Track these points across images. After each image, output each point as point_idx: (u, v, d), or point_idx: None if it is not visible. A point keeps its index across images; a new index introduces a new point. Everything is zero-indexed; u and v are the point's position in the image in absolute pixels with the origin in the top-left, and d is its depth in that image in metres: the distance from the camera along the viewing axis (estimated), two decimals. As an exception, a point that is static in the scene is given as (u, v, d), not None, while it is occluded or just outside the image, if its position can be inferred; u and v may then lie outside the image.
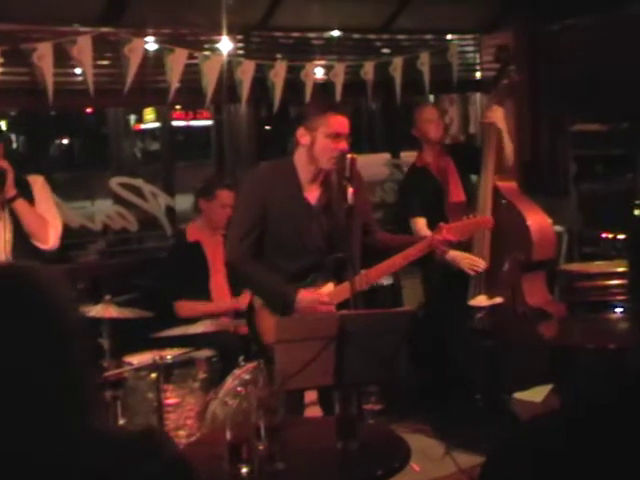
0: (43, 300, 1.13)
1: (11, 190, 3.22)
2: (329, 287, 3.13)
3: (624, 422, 0.83)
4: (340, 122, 3.07)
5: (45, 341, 1.11)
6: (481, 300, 3.98)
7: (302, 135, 3.09)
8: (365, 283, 3.08)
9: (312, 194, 3.16)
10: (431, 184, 4.28)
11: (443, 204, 4.21)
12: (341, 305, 3.08)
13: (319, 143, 3.06)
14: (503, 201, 4.11)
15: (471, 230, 3.21)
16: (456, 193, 4.25)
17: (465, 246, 3.94)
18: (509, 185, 4.20)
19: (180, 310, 3.95)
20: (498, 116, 4.08)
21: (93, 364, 1.23)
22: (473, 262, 3.96)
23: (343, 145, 3.04)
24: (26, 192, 3.34)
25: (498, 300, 3.96)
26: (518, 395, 3.64)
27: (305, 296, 3.04)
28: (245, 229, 3.11)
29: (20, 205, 3.27)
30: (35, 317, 1.11)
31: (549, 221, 4.11)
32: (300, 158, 3.13)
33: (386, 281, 4.56)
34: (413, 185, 4.36)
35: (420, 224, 4.16)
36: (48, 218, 3.37)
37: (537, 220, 4.06)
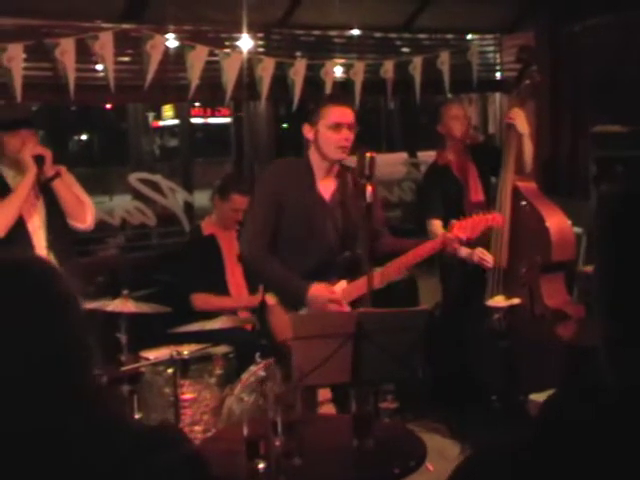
0: (46, 289, 1.15)
1: (50, 170, 3.30)
2: (342, 285, 3.14)
3: (597, 433, 0.82)
4: (339, 112, 3.08)
5: (46, 328, 1.12)
6: (498, 301, 3.96)
7: (307, 131, 3.14)
8: (380, 281, 3.07)
9: (327, 191, 3.17)
10: (452, 183, 4.26)
11: (463, 203, 4.20)
12: (353, 303, 3.08)
13: (321, 135, 3.09)
14: (523, 202, 4.09)
15: (482, 227, 3.18)
16: (476, 193, 4.24)
17: (483, 246, 3.93)
18: (529, 185, 4.17)
19: (196, 302, 3.97)
20: (519, 118, 4.05)
21: (92, 355, 1.24)
22: (483, 255, 3.94)
23: (345, 134, 3.05)
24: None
25: (516, 301, 3.94)
26: (534, 397, 3.62)
27: (317, 290, 3.04)
28: (260, 225, 3.13)
29: (59, 185, 3.36)
30: (37, 305, 1.12)
31: (568, 222, 4.08)
32: (313, 154, 3.15)
33: (400, 279, 4.56)
34: (434, 183, 4.33)
35: (436, 225, 4.15)
36: (83, 199, 3.46)
37: (556, 221, 4.03)
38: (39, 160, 3.25)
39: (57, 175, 3.36)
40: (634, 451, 0.79)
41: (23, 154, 3.26)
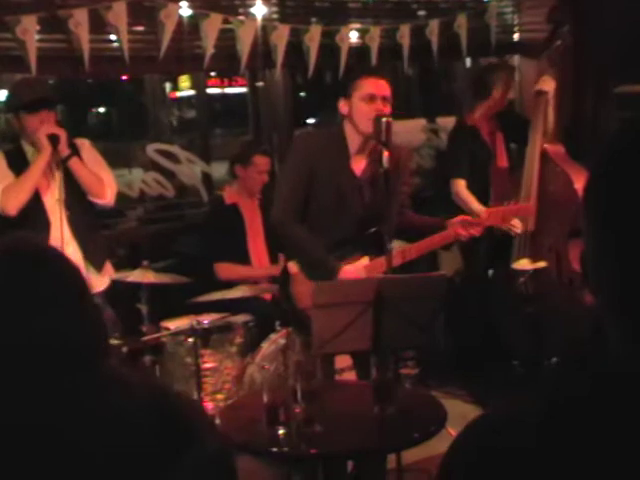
0: (55, 272, 1.16)
1: (65, 149, 3.32)
2: (364, 260, 3.12)
3: (594, 415, 0.77)
4: (374, 84, 3.04)
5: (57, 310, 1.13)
6: (524, 264, 3.92)
7: (342, 106, 3.10)
8: (402, 259, 3.06)
9: (359, 165, 3.14)
10: (480, 145, 4.21)
11: (488, 167, 4.16)
12: None
13: (356, 108, 3.05)
14: (551, 165, 4.04)
15: (511, 217, 3.18)
16: (502, 159, 4.19)
17: None
18: (557, 149, 4.12)
19: (220, 272, 3.98)
20: (551, 85, 4.00)
21: (106, 341, 1.27)
22: (512, 224, 3.91)
23: (379, 106, 3.00)
24: (74, 153, 3.42)
25: (542, 264, 3.89)
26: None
27: (348, 273, 3.02)
28: (291, 192, 3.11)
29: (75, 163, 3.38)
30: (46, 289, 1.13)
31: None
32: (348, 128, 3.12)
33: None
34: (462, 143, 4.26)
35: (460, 186, 4.12)
36: (102, 176, 3.48)
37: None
38: (53, 140, 3.27)
39: (72, 155, 3.37)
40: (623, 432, 0.76)
41: (39, 134, 3.28)
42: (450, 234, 3.08)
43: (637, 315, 0.78)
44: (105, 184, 3.47)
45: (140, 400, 1.13)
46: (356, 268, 3.07)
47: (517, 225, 3.92)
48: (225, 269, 3.99)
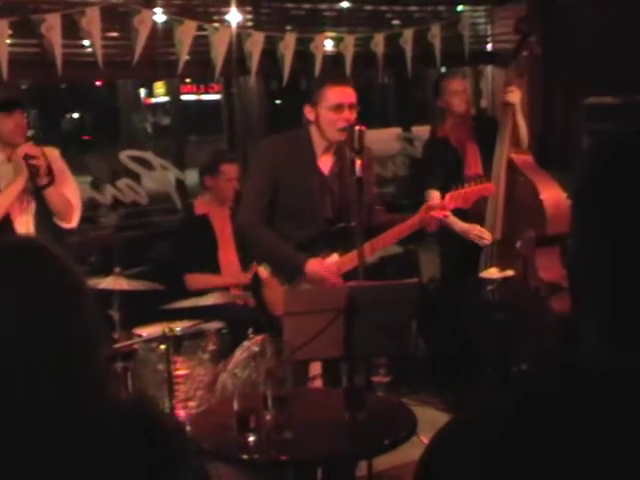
0: (54, 271, 1.14)
1: (44, 179, 3.29)
2: (334, 257, 3.15)
3: (565, 412, 0.79)
4: (339, 92, 3.07)
5: (54, 313, 1.11)
6: (492, 272, 3.96)
7: (308, 112, 3.13)
8: (370, 253, 3.09)
9: (325, 164, 3.19)
10: (451, 155, 4.25)
11: (461, 176, 4.19)
12: (345, 275, 3.10)
13: (322, 116, 3.08)
14: (518, 174, 4.08)
15: (474, 197, 3.20)
16: (475, 166, 4.22)
17: (477, 217, 3.93)
18: (524, 158, 4.16)
19: (191, 283, 3.96)
20: (516, 97, 4.04)
21: (104, 338, 1.24)
22: (481, 233, 3.95)
23: (347, 115, 3.03)
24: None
25: (510, 273, 3.94)
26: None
27: (314, 266, 3.07)
28: (256, 196, 3.16)
29: (50, 192, 3.33)
30: (46, 287, 1.12)
31: (564, 195, 4.07)
32: (314, 132, 3.16)
33: (394, 250, 4.57)
34: (433, 155, 4.31)
35: (435, 197, 4.15)
36: (70, 198, 3.44)
37: (551, 194, 4.03)
38: (32, 168, 3.22)
39: (50, 184, 3.32)
40: (595, 429, 0.78)
41: (19, 160, 3.22)
42: (415, 221, 3.10)
43: (623, 318, 0.80)
44: (74, 209, 3.44)
45: (122, 418, 1.11)
46: (324, 262, 3.09)
47: (486, 236, 3.95)
48: (195, 280, 3.97)
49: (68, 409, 1.07)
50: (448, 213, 3.23)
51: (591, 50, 4.78)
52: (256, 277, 3.24)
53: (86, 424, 1.08)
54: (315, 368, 3.28)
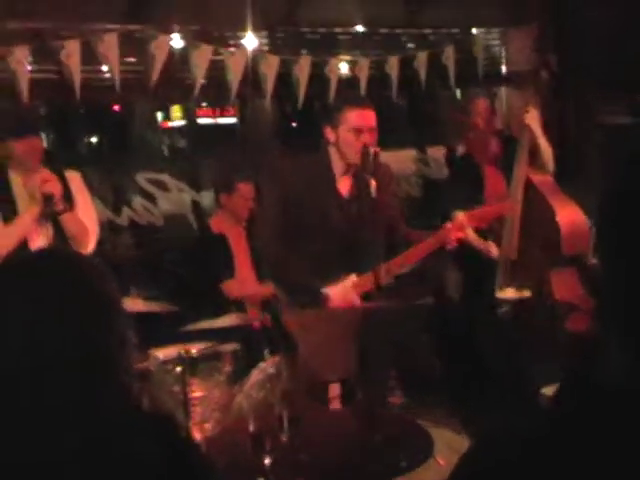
0: (88, 284, 1.15)
1: (59, 205, 3.28)
2: (352, 278, 3.15)
3: (591, 430, 0.80)
4: (360, 116, 3.09)
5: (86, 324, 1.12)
6: (509, 293, 3.95)
7: (328, 133, 3.17)
8: (387, 275, 3.09)
9: (344, 186, 3.22)
10: (474, 174, 4.25)
11: (482, 195, 4.19)
12: (363, 297, 3.09)
13: (342, 139, 3.11)
14: (535, 194, 4.07)
15: (491, 217, 3.21)
16: (496, 185, 4.22)
17: (494, 238, 3.94)
18: (543, 178, 4.15)
19: (230, 290, 3.99)
20: (534, 117, 4.04)
21: (129, 348, 1.24)
22: (487, 246, 3.97)
23: (366, 139, 3.05)
24: (64, 188, 3.36)
25: (526, 294, 3.92)
26: (545, 390, 3.61)
27: (335, 297, 3.05)
28: (277, 219, 3.17)
29: (66, 219, 3.34)
30: (79, 299, 1.13)
31: (582, 216, 4.05)
32: (333, 153, 3.20)
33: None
34: (456, 175, 4.33)
35: (459, 218, 4.15)
36: (88, 223, 3.43)
37: (568, 214, 4.01)
38: (47, 196, 3.22)
39: (65, 210, 3.33)
40: (622, 449, 0.78)
41: (33, 187, 3.22)
42: (433, 242, 3.10)
43: None
44: (90, 235, 3.44)
45: (141, 429, 1.12)
46: (343, 288, 3.09)
47: (493, 250, 3.96)
48: (233, 287, 4.00)
49: (77, 415, 1.08)
50: (467, 232, 3.24)
51: (606, 71, 4.78)
52: (276, 295, 3.27)
53: (100, 431, 1.08)
54: (334, 389, 3.27)
